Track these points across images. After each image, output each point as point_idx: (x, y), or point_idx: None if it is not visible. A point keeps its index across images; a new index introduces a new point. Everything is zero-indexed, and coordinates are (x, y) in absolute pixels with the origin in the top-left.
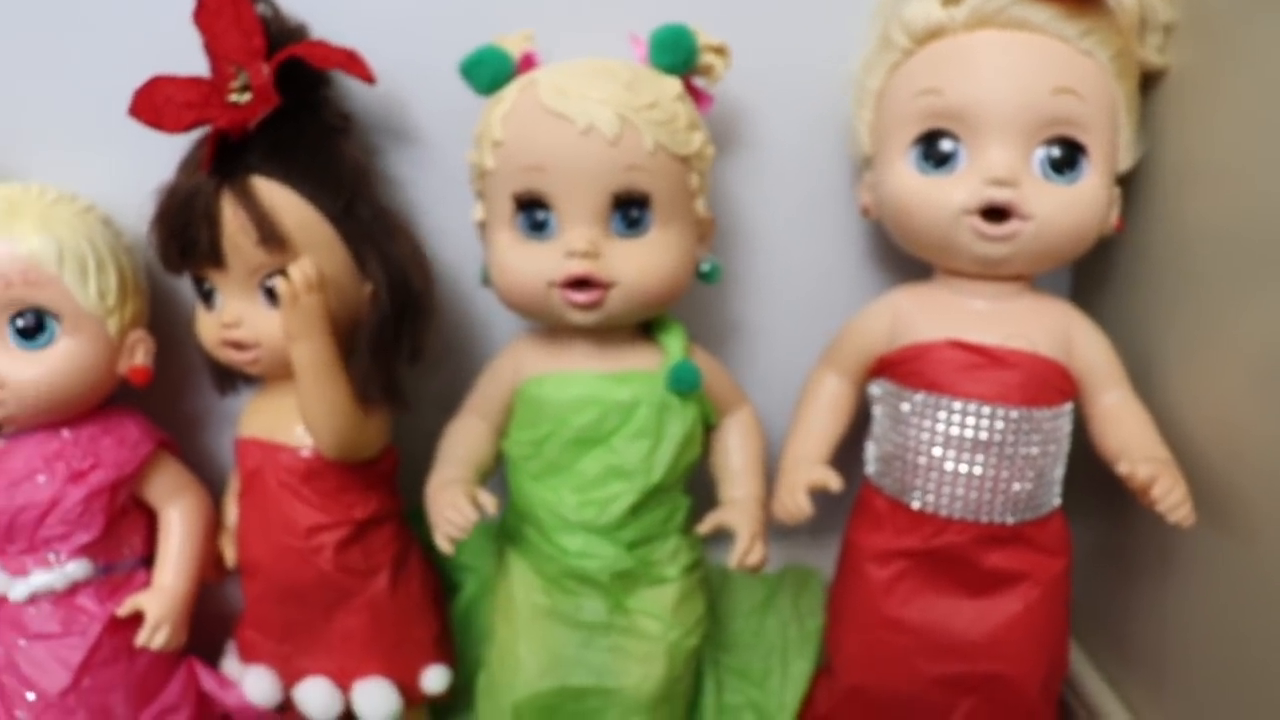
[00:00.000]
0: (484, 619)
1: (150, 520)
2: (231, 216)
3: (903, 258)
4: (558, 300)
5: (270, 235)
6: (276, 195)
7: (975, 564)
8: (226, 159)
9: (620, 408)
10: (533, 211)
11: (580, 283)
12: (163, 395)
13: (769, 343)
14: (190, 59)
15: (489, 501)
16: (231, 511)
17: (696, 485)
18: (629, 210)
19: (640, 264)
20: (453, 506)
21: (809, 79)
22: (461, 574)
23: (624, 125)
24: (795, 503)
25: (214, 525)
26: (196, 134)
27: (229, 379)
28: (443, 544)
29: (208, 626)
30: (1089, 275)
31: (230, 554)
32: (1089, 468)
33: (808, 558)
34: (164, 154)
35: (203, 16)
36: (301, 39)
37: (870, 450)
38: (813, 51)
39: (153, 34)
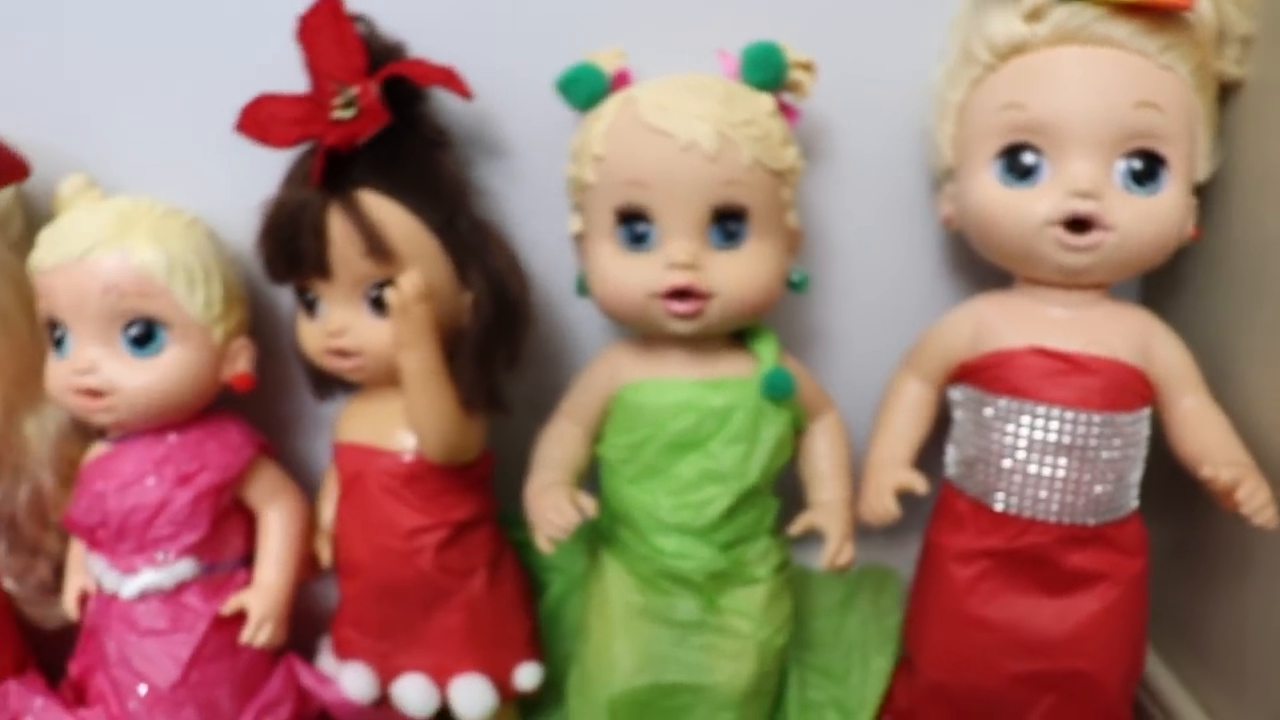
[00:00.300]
0: (571, 618)
1: (249, 522)
2: (339, 229)
3: (977, 266)
4: (658, 310)
5: (377, 247)
6: (383, 208)
7: (1056, 564)
8: (333, 173)
9: (716, 413)
10: (633, 224)
11: (681, 293)
12: (256, 401)
13: (846, 349)
14: (286, 77)
15: (589, 505)
16: (326, 512)
17: (782, 487)
18: (727, 223)
19: (738, 275)
20: (555, 509)
21: (887, 92)
22: (549, 574)
23: (723, 141)
24: (883, 505)
25: (310, 526)
26: (294, 150)
27: (328, 386)
28: (544, 545)
29: (298, 625)
30: (1159, 282)
31: (325, 554)
32: (1162, 472)
33: (884, 558)
34: (261, 169)
35: (305, 35)
36: (400, 57)
37: (951, 453)
38: (890, 65)
39: (250, 53)
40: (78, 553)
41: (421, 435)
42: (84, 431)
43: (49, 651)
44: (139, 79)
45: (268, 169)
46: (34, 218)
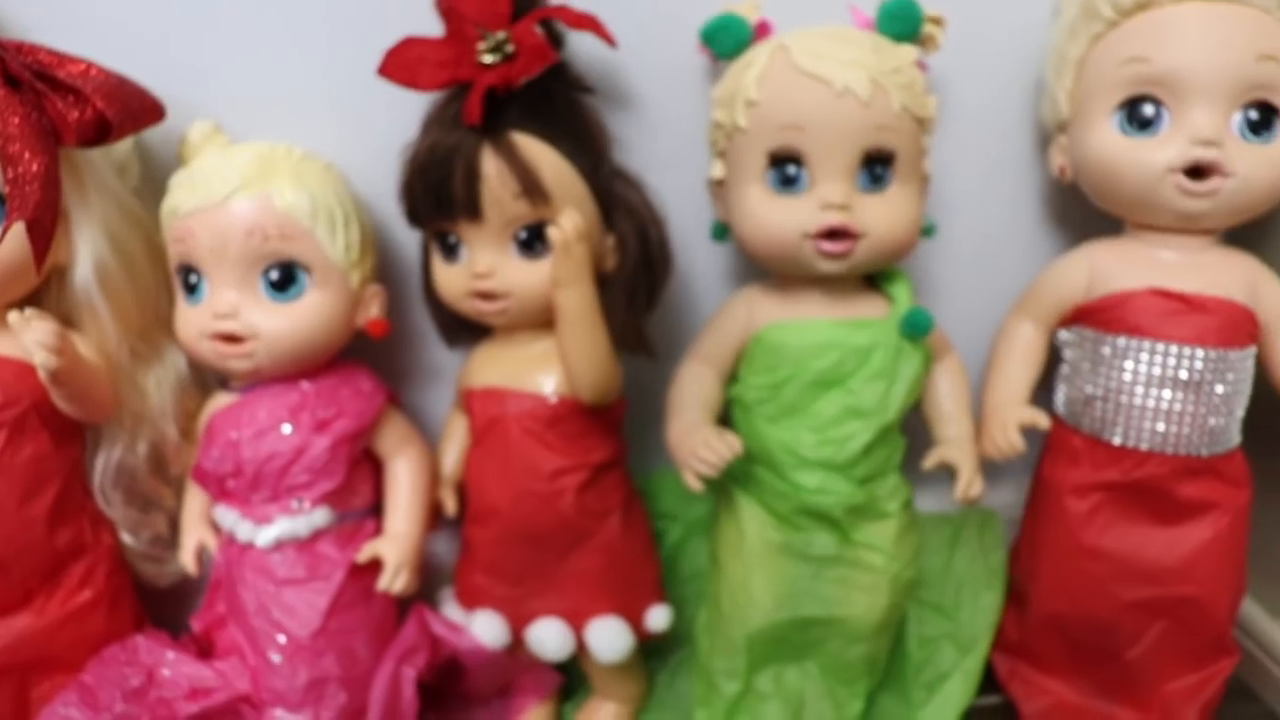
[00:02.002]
0: (688, 564)
1: (377, 471)
2: (493, 170)
3: (1078, 218)
4: (809, 250)
5: (532, 188)
6: (536, 150)
7: (1170, 494)
8: (486, 117)
9: (858, 351)
10: (784, 167)
11: (833, 233)
12: (371, 352)
13: (951, 298)
14: (405, 23)
15: (737, 442)
16: (449, 462)
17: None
18: (875, 167)
19: (885, 217)
20: (706, 445)
21: (994, 46)
22: (665, 521)
23: (875, 88)
24: (1008, 440)
25: (436, 475)
26: (426, 96)
27: (460, 332)
28: (692, 482)
29: None
30: (1244, 229)
31: (450, 503)
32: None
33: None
34: (380, 116)
35: None
36: (544, 4)
37: (1061, 392)
38: (997, 22)
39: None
40: (194, 507)
41: (576, 375)
42: (202, 383)
43: (153, 613)
44: (257, 24)
45: (384, 116)
46: (149, 165)
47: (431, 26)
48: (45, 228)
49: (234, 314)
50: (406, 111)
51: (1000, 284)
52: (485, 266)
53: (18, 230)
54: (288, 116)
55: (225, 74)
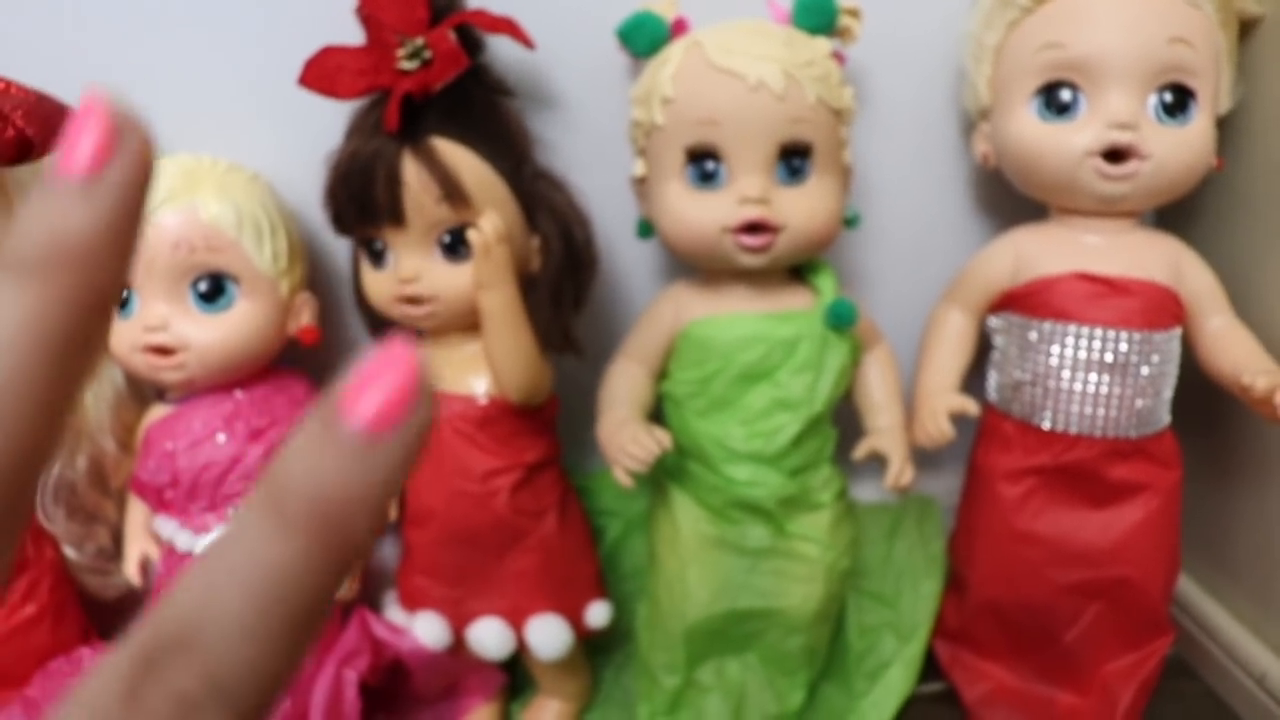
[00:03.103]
0: (629, 561)
1: None
2: (414, 176)
3: (1006, 205)
4: (730, 245)
5: (453, 192)
6: (456, 154)
7: (1101, 477)
8: (405, 122)
9: (784, 344)
10: (703, 163)
11: (752, 227)
12: (308, 358)
13: (882, 288)
14: (326, 31)
15: (665, 437)
16: None
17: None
18: (792, 160)
19: (805, 209)
20: (635, 441)
21: (918, 36)
22: (605, 518)
23: (789, 81)
24: (938, 427)
25: None
26: (346, 104)
27: None
28: (622, 478)
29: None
30: (1173, 213)
31: (390, 508)
32: (1187, 391)
33: (920, 487)
34: (304, 126)
35: None
36: (460, 8)
37: (993, 379)
38: (920, 10)
39: (289, 8)
40: (137, 518)
41: (502, 375)
42: (139, 395)
43: (100, 626)
44: (181, 37)
45: (311, 125)
46: None
47: (352, 31)
48: None
49: (164, 326)
50: (334, 120)
51: (929, 272)
52: (410, 271)
53: None
54: (214, 128)
55: (150, 87)
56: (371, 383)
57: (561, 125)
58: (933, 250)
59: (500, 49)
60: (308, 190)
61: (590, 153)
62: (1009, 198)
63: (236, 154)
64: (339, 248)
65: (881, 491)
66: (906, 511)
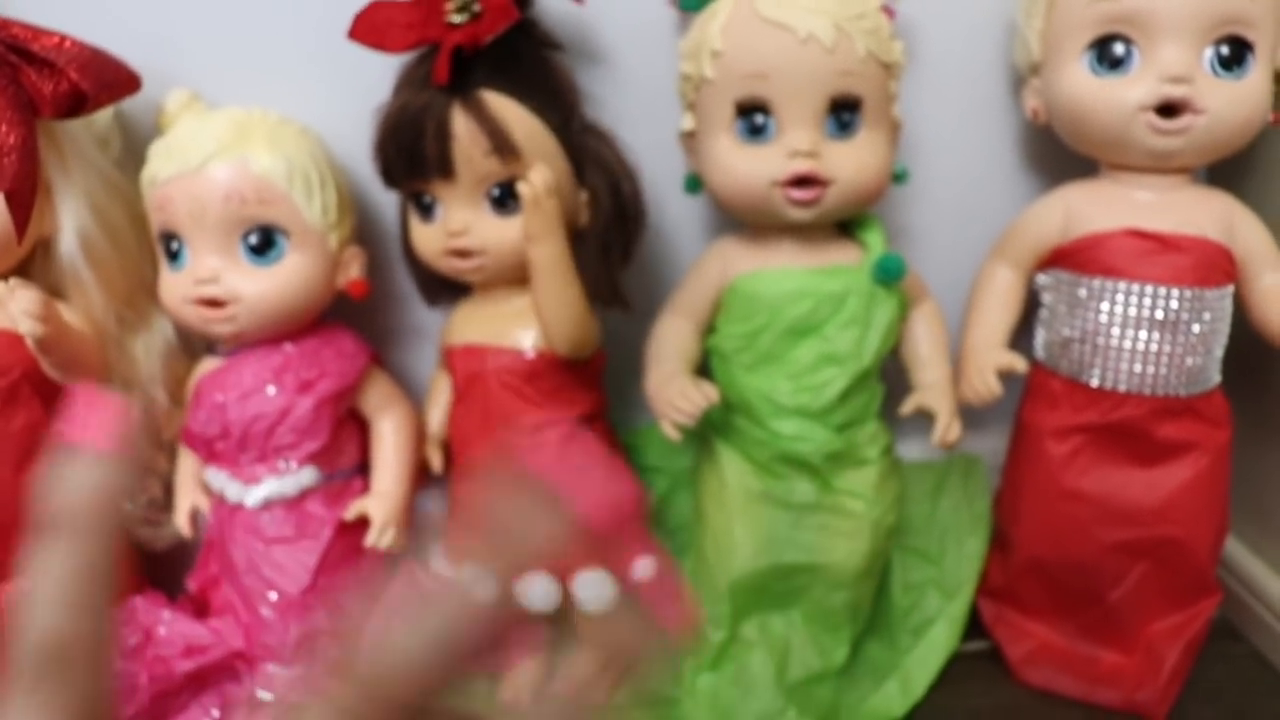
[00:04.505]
0: (675, 516)
1: (362, 430)
2: (464, 129)
3: (1054, 161)
4: (779, 198)
5: (503, 145)
6: (506, 108)
7: (1149, 435)
8: (455, 75)
9: (832, 298)
10: (752, 116)
11: (802, 181)
12: (354, 314)
13: (929, 244)
14: None
15: (713, 391)
16: (435, 420)
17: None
18: (842, 114)
19: (854, 163)
20: (682, 395)
21: None
22: (651, 475)
23: (839, 34)
24: (986, 384)
25: (421, 434)
26: (397, 57)
27: (439, 290)
28: (670, 431)
29: None
30: (1225, 167)
31: (436, 461)
32: (1238, 349)
33: (966, 445)
34: (352, 80)
35: None
36: None
37: (1040, 336)
38: None
39: None
40: (187, 470)
41: (551, 328)
42: (189, 348)
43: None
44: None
45: (359, 79)
46: (130, 136)
47: None
48: (25, 198)
49: (215, 279)
50: (382, 74)
51: (977, 229)
52: (459, 224)
53: None
54: (264, 83)
55: (201, 42)
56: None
57: (610, 80)
58: (980, 206)
59: (548, 3)
60: (356, 144)
61: (638, 107)
62: (1058, 153)
63: (286, 108)
64: (387, 202)
65: (926, 449)
66: (951, 469)
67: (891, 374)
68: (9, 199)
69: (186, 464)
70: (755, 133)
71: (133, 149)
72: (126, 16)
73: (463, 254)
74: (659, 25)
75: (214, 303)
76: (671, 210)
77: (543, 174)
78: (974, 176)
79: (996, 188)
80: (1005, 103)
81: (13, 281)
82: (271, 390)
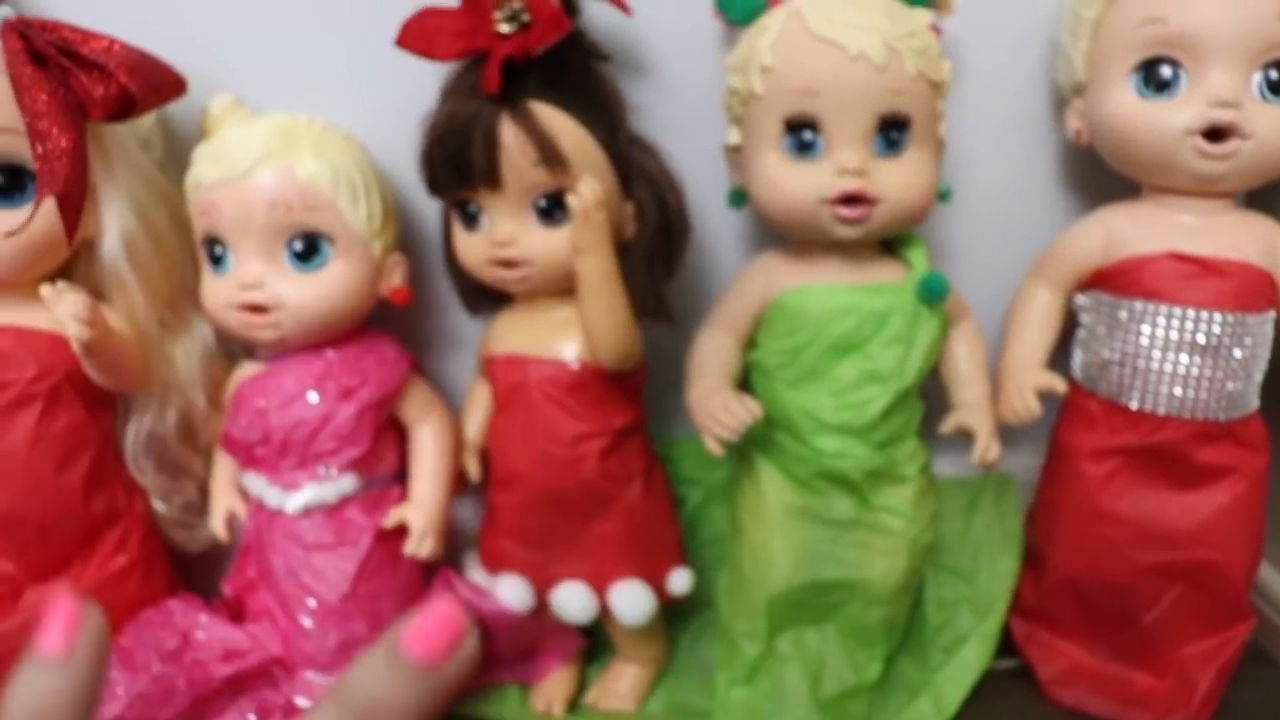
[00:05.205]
0: (709, 528)
1: (401, 437)
2: (512, 139)
3: (1093, 181)
4: (826, 215)
5: (551, 156)
6: (554, 119)
7: (1188, 459)
8: (503, 86)
9: (876, 316)
10: (801, 132)
11: (850, 199)
12: (393, 321)
13: (968, 260)
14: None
15: (756, 407)
16: (472, 428)
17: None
18: (890, 132)
19: (901, 182)
20: (725, 410)
21: (1008, 8)
22: (686, 486)
23: (890, 52)
24: (1025, 405)
25: (459, 442)
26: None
27: (481, 299)
28: (712, 446)
29: None
30: (1264, 191)
31: (474, 469)
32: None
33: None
34: (395, 87)
35: None
36: None
37: (1079, 357)
38: None
39: None
40: (224, 474)
41: (598, 341)
42: (228, 352)
43: (185, 578)
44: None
45: (401, 85)
46: (172, 139)
47: None
48: (75, 202)
49: (259, 285)
50: (425, 81)
51: (1016, 248)
52: (505, 235)
53: (48, 205)
54: (307, 88)
55: (244, 47)
56: (427, 631)
57: (653, 90)
58: (1020, 225)
59: (593, 13)
60: (399, 151)
61: (681, 118)
62: (1098, 172)
63: (327, 113)
64: (426, 208)
65: (959, 465)
66: (984, 487)
67: (930, 391)
68: (60, 202)
69: (223, 467)
70: (804, 149)
71: (174, 151)
72: (169, 19)
73: (508, 264)
74: (703, 35)
75: (258, 308)
76: (711, 222)
77: (592, 187)
78: (1013, 194)
79: (1035, 206)
80: (1045, 121)
81: (60, 285)
82: (313, 397)
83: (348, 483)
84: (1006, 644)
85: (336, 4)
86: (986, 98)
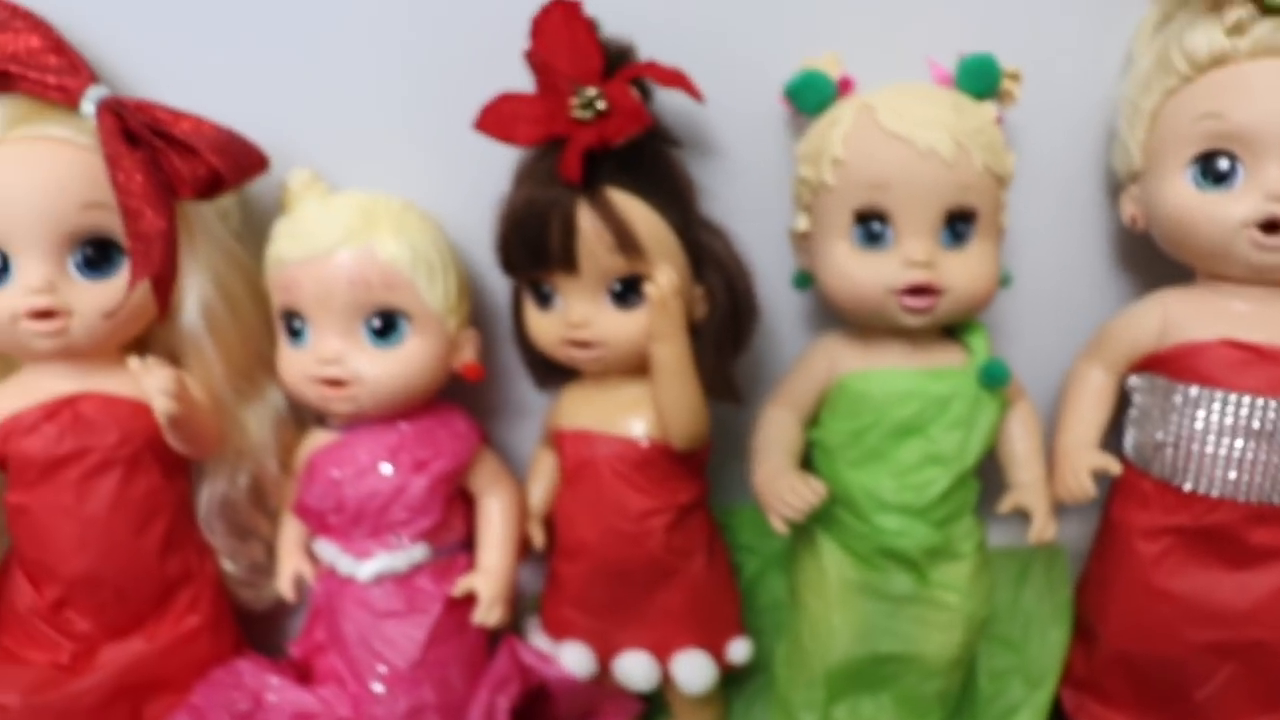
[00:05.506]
0: (765, 596)
1: (467, 506)
2: (590, 226)
3: (1146, 262)
4: (894, 305)
5: (627, 244)
6: (631, 206)
7: (1241, 540)
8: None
9: (938, 401)
10: (870, 224)
11: (917, 290)
12: (461, 391)
13: (1020, 338)
14: (492, 75)
15: (822, 489)
16: (536, 497)
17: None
18: (956, 224)
19: (967, 273)
20: (792, 491)
21: (1063, 95)
22: (742, 554)
23: (958, 149)
24: (1080, 485)
25: (525, 511)
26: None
27: (551, 375)
28: (779, 525)
29: None
30: None
31: (538, 537)
32: None
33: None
34: (467, 164)
35: (540, 36)
36: (632, 59)
37: (1131, 436)
38: (1067, 68)
39: (457, 50)
40: (291, 536)
41: (672, 424)
42: (298, 418)
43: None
44: (347, 74)
45: (476, 162)
46: (246, 209)
47: (517, 75)
48: (167, 282)
49: (338, 360)
50: (495, 158)
51: (1067, 327)
52: (580, 317)
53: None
54: (378, 162)
55: (316, 121)
56: None
57: (718, 172)
58: (1071, 305)
59: (660, 96)
60: (469, 226)
61: (744, 200)
62: (1150, 256)
63: (401, 188)
64: (494, 279)
65: (1007, 536)
66: (1034, 558)
67: (980, 465)
68: (154, 284)
69: (290, 529)
70: (872, 240)
71: (249, 221)
72: (246, 94)
73: (582, 345)
74: (769, 119)
75: (336, 383)
76: (772, 300)
77: (670, 275)
78: (1065, 275)
79: (1087, 287)
80: (1099, 203)
81: (150, 359)
82: (387, 469)
83: (419, 551)
84: (1056, 714)
85: (406, 82)
86: (1039, 180)
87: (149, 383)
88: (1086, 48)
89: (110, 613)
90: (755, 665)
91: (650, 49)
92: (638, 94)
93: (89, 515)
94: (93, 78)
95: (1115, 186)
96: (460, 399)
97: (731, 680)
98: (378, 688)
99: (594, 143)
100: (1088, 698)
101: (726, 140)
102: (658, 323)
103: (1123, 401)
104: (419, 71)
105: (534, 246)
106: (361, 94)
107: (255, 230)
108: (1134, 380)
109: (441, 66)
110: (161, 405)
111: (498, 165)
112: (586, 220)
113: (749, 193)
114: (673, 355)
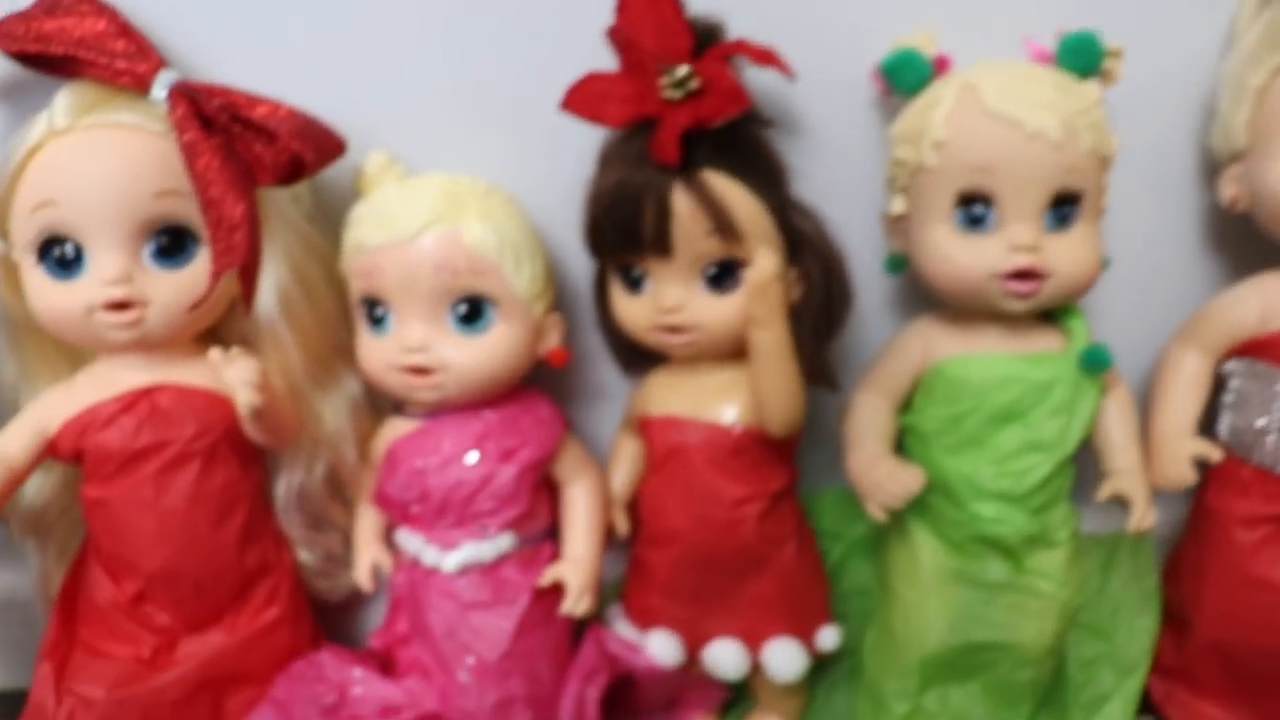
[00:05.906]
0: (849, 581)
1: (552, 494)
2: (685, 209)
3: (1239, 243)
4: (996, 289)
5: (725, 227)
6: (727, 188)
7: None
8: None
9: (1038, 387)
10: (972, 206)
11: (1022, 274)
12: (540, 372)
13: (1112, 321)
14: (572, 54)
15: (921, 476)
16: (619, 483)
17: None
18: (1062, 207)
19: (1071, 257)
20: (892, 479)
21: (1157, 74)
22: (827, 540)
23: (1065, 130)
24: (1179, 472)
25: (609, 498)
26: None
27: (636, 359)
28: (877, 513)
29: None
30: None
31: (622, 524)
32: None
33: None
34: (546, 144)
35: (628, 14)
36: (722, 37)
37: (1226, 421)
38: (1161, 48)
39: (536, 28)
40: (368, 526)
41: (771, 410)
42: (375, 406)
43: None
44: (423, 54)
45: (554, 142)
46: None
47: (597, 54)
48: (252, 271)
49: (424, 348)
50: (570, 140)
51: (1155, 309)
52: (673, 301)
53: (207, 266)
54: (456, 144)
55: (391, 103)
56: None
57: (807, 153)
58: (1160, 287)
59: (748, 74)
60: (549, 208)
61: (834, 181)
62: (1240, 237)
63: (478, 170)
64: (576, 261)
65: (1093, 522)
66: (1120, 545)
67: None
68: (240, 273)
69: (367, 519)
70: (975, 223)
71: (321, 204)
72: (320, 75)
73: (675, 329)
74: (858, 97)
75: (422, 370)
76: (860, 284)
77: (770, 260)
78: (1159, 257)
79: (1176, 268)
80: (1193, 185)
81: (234, 350)
82: (473, 458)
83: (505, 541)
84: (1144, 702)
85: (485, 61)
86: (1132, 157)
87: (232, 374)
88: (1178, 24)
89: (190, 606)
90: (839, 651)
91: (735, 26)
92: (735, 75)
93: (168, 508)
94: (162, 62)
95: (1212, 167)
96: (539, 382)
97: (815, 666)
98: (465, 679)
99: (690, 124)
100: (1177, 686)
101: (814, 120)
102: (758, 308)
103: (1217, 385)
104: (491, 51)
105: (626, 230)
106: (433, 74)
107: (327, 213)
108: (1232, 365)
109: (515, 46)
110: (245, 397)
111: (573, 147)
112: (682, 203)
113: (836, 173)
114: (773, 341)
